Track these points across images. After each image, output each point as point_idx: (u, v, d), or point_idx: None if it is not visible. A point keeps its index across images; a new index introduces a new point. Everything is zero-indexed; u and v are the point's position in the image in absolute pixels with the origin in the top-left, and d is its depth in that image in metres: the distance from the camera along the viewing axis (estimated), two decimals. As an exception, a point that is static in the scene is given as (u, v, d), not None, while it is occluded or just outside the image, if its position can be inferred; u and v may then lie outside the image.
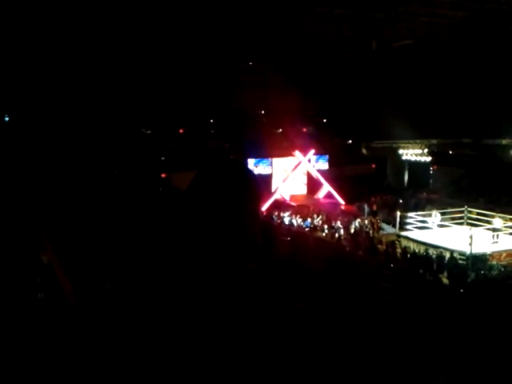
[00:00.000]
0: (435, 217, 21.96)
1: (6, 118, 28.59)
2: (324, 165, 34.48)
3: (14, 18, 18.16)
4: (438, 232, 21.11)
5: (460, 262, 17.44)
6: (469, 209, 22.80)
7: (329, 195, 32.17)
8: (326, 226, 23.10)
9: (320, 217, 24.68)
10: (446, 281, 16.36)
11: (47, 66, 24.04)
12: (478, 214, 22.19)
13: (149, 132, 33.35)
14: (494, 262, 17.42)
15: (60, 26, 19.84)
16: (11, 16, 17.95)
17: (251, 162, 31.69)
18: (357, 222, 22.84)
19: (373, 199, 28.69)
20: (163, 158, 31.18)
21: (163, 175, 27.29)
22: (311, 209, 27.16)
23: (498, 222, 19.99)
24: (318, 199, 32.16)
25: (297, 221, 24.37)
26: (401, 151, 32.36)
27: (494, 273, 16.59)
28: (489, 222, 20.46)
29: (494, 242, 18.87)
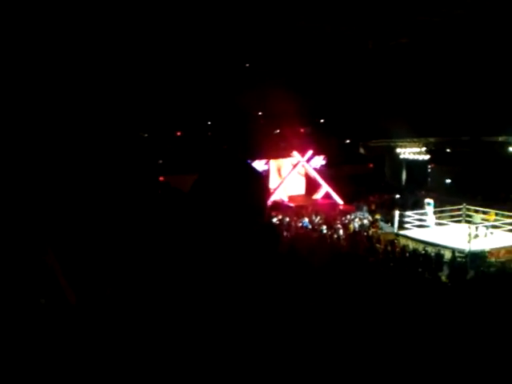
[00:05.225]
0: (428, 205, 22.02)
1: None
2: (322, 165, 34.48)
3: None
4: (436, 230, 21.18)
5: (459, 259, 17.50)
6: (467, 206, 22.87)
7: (327, 195, 32.20)
8: (324, 226, 23.14)
9: (319, 217, 24.71)
10: (444, 279, 16.41)
11: (44, 64, 23.96)
12: (476, 211, 22.27)
13: (146, 135, 33.32)
14: (493, 260, 17.49)
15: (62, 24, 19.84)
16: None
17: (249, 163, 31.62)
18: (355, 222, 22.90)
19: (371, 198, 28.75)
20: (161, 161, 31.14)
21: (161, 178, 27.28)
22: (310, 209, 27.18)
23: (477, 218, 21.03)
24: (317, 200, 32.18)
25: (295, 221, 24.40)
26: (398, 150, 32.40)
27: (493, 270, 16.65)
28: (488, 220, 20.64)
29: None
